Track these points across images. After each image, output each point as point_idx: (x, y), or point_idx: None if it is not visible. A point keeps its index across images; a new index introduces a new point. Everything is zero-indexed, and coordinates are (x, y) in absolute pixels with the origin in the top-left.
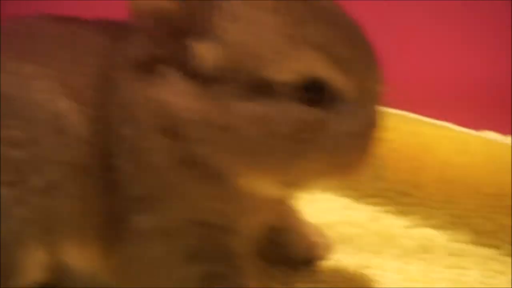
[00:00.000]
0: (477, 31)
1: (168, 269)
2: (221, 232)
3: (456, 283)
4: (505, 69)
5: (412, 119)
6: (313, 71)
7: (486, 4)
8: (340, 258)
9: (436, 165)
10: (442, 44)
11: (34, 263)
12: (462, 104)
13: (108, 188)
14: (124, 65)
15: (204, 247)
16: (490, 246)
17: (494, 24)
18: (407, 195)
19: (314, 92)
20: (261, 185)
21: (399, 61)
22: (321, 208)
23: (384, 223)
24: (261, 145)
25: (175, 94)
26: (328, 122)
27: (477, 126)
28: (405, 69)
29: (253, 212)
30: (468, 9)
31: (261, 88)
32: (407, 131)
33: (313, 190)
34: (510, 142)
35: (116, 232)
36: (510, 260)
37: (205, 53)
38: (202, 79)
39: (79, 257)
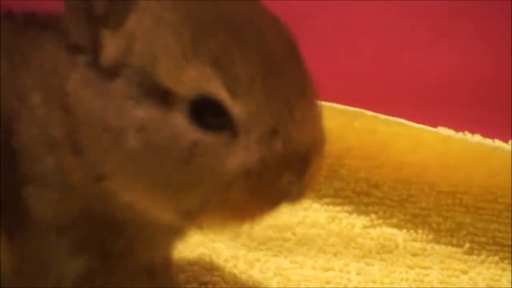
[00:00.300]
0: (432, 27)
1: (50, 264)
2: (106, 229)
3: (418, 283)
4: (461, 66)
5: (369, 116)
6: (204, 88)
7: (435, 3)
8: (301, 261)
9: (393, 163)
10: (397, 40)
11: None
12: (417, 100)
13: (7, 157)
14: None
15: (89, 243)
16: (450, 244)
17: (444, 21)
18: (365, 194)
19: (209, 113)
20: (144, 205)
21: (354, 58)
22: (280, 209)
23: (343, 224)
24: (141, 156)
25: (79, 85)
26: (212, 149)
27: (432, 123)
28: (361, 66)
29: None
30: (428, 7)
31: (155, 94)
32: (363, 129)
33: (216, 229)
34: (466, 138)
35: (17, 220)
36: (471, 259)
37: (109, 44)
38: (106, 72)
39: None
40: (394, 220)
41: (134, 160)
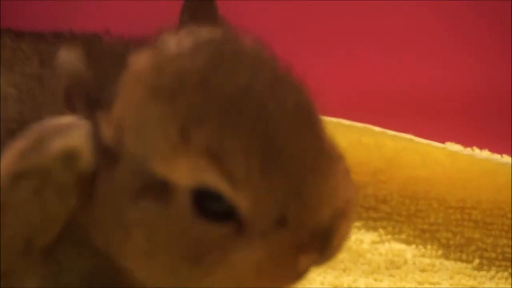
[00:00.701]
0: (437, 42)
1: None
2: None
3: None
4: (467, 80)
5: (376, 132)
6: (201, 179)
7: (443, 19)
8: (310, 277)
9: (401, 178)
10: (405, 56)
11: None
12: (425, 116)
13: None
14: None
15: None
16: (459, 260)
17: (454, 35)
18: (374, 209)
19: (212, 201)
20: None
21: (362, 74)
22: None
23: (352, 239)
24: (150, 251)
25: None
26: (218, 244)
27: (440, 138)
28: (369, 82)
29: None
30: (431, 24)
31: (154, 185)
32: (371, 145)
33: None
34: (474, 154)
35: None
36: (480, 274)
37: (104, 130)
38: (109, 156)
39: None
40: (403, 236)
41: (144, 253)
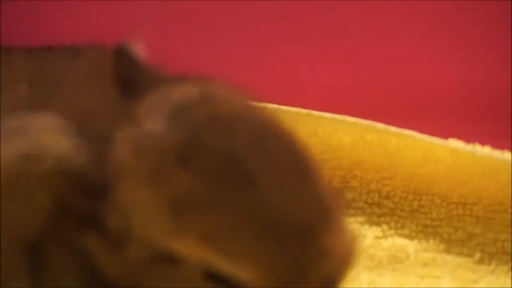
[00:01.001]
0: (440, 39)
1: None
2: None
3: None
4: (469, 77)
5: (380, 129)
6: (202, 260)
7: (445, 14)
8: None
9: (404, 175)
10: (405, 51)
11: None
12: (428, 112)
13: None
14: None
15: None
16: (460, 254)
17: (456, 32)
18: (377, 205)
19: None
20: None
21: (366, 71)
22: None
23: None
24: None
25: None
26: None
27: (443, 134)
28: (372, 79)
29: None
30: (433, 22)
31: (163, 254)
32: (374, 142)
33: None
34: (476, 151)
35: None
36: (481, 268)
37: (108, 215)
38: (114, 240)
39: None
40: (406, 231)
41: None
